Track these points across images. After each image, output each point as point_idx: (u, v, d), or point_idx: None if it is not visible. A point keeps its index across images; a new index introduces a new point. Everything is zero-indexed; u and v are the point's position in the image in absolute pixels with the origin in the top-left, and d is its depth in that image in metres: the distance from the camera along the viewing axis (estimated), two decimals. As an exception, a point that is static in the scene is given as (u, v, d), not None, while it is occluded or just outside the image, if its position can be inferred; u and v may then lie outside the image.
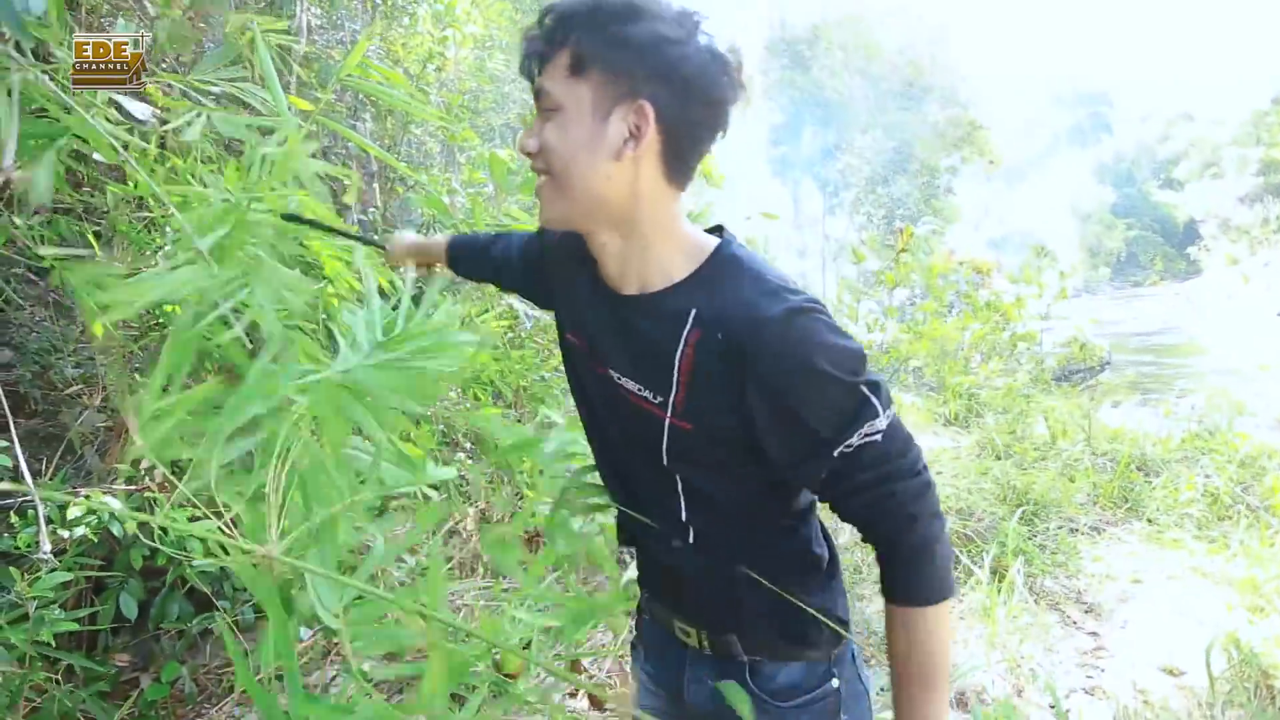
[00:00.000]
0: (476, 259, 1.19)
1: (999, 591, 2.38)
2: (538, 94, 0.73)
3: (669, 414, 0.76)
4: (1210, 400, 5.10)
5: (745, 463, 0.76)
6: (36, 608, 0.86)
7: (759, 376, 0.69)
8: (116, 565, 1.62)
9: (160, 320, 1.54)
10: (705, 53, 0.70)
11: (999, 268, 8.29)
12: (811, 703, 0.90)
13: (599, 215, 0.75)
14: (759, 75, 10.52)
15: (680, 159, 0.73)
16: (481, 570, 2.67)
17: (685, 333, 0.73)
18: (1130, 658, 2.20)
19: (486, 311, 2.66)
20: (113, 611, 1.72)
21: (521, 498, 2.91)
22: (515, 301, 2.68)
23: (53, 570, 0.89)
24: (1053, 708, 1.88)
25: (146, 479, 1.41)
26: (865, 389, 0.71)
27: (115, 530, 1.28)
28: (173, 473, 1.59)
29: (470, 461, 2.85)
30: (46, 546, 0.89)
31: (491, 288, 2.86)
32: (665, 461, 0.78)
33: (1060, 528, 3.13)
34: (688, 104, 0.70)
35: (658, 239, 0.76)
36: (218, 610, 1.94)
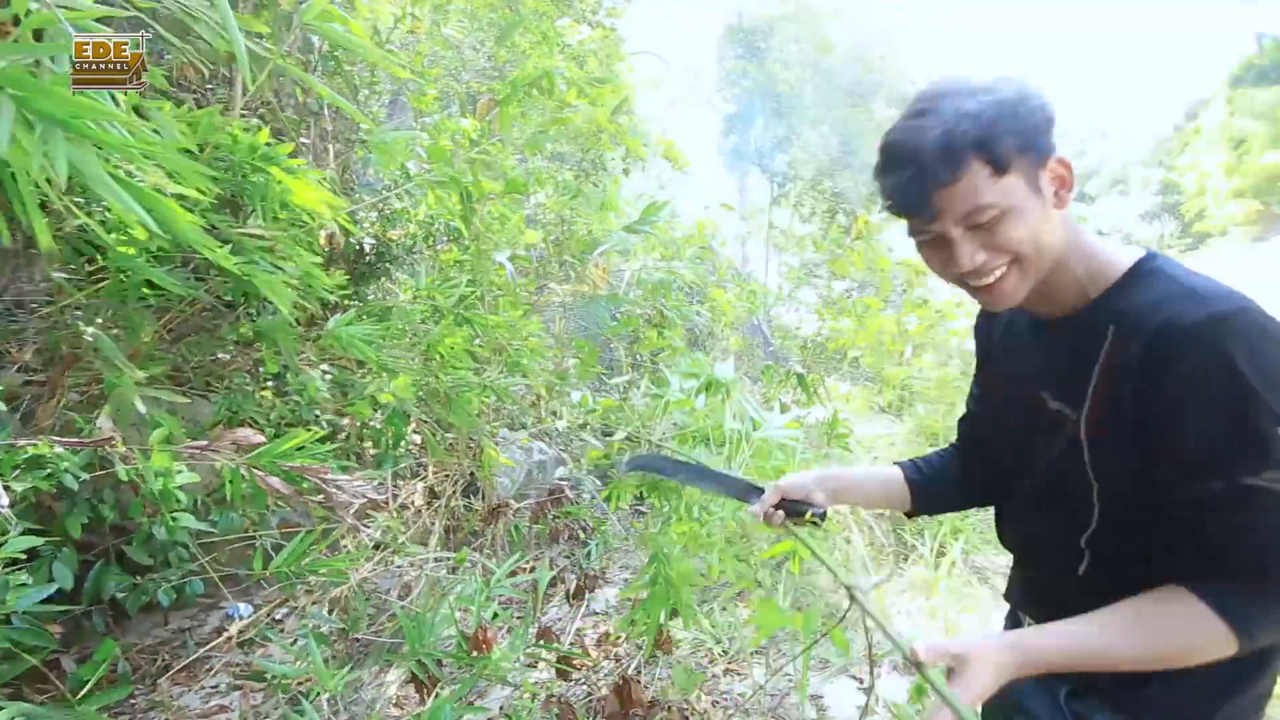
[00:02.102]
0: (945, 487, 1.07)
1: (938, 567, 2.53)
2: (964, 214, 0.74)
3: (1084, 428, 0.77)
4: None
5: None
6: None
7: (1173, 383, 0.68)
8: (54, 532, 1.51)
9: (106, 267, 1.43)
10: (1033, 93, 0.75)
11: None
12: None
13: (1054, 262, 0.78)
14: (715, 64, 10.64)
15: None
16: (435, 543, 2.62)
17: (1105, 348, 0.75)
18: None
19: (448, 281, 2.58)
20: (45, 582, 1.60)
21: (476, 471, 2.86)
22: (503, 259, 2.60)
23: (22, 534, 0.82)
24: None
25: (94, 435, 1.31)
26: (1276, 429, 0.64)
27: (70, 483, 1.19)
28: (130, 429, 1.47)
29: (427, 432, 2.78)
30: (4, 500, 0.82)
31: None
32: (1090, 476, 0.78)
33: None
34: (1051, 136, 0.76)
35: (1074, 257, 0.79)
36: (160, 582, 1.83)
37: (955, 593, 2.42)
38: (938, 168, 0.72)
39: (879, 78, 11.14)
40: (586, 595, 2.47)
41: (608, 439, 4.26)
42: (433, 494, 3.03)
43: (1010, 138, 0.71)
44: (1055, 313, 0.82)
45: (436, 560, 2.32)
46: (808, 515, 1.02)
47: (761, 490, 1.08)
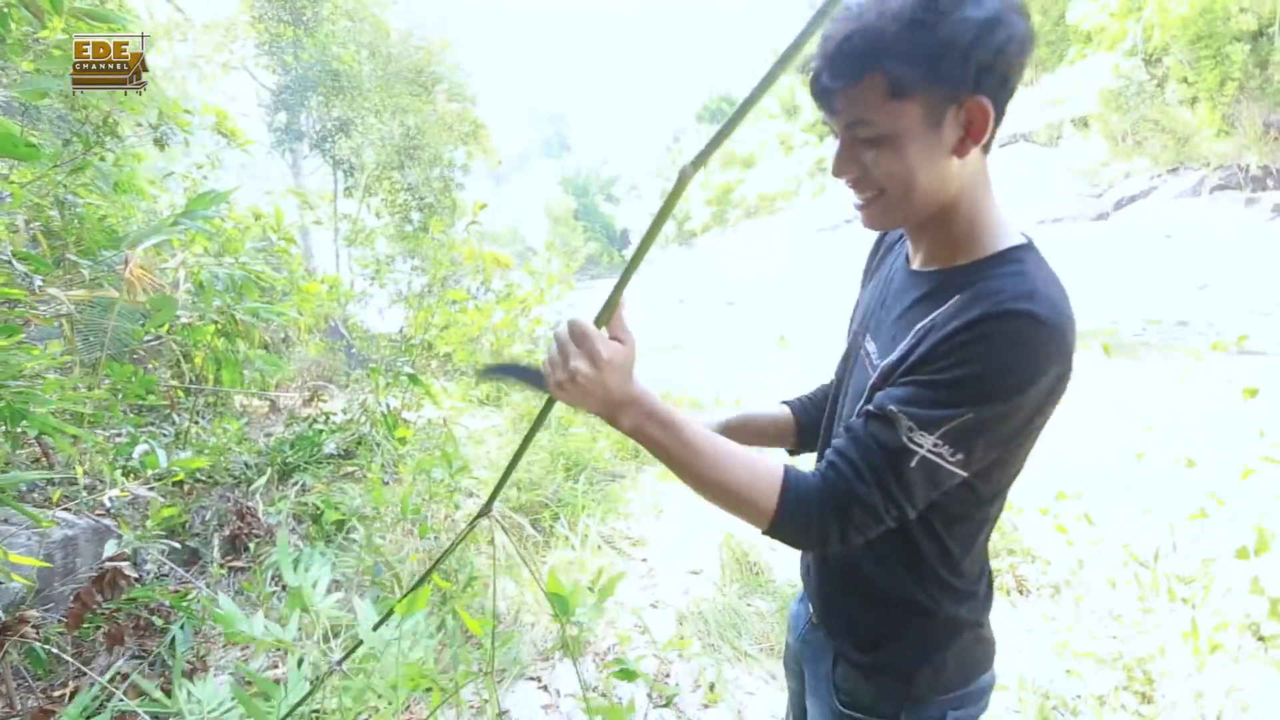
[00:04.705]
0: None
1: (578, 545, 2.72)
2: (849, 124, 0.71)
3: (876, 375, 0.78)
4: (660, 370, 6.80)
5: None
6: None
7: (950, 331, 0.68)
8: None
9: None
10: (1017, 21, 0.66)
11: (515, 262, 9.27)
12: None
13: (933, 209, 0.75)
14: (254, 24, 8.85)
15: (997, 129, 0.71)
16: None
17: (939, 311, 0.72)
18: (671, 570, 2.82)
19: None
20: None
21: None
22: None
23: None
24: (641, 631, 2.28)
25: None
26: (969, 419, 0.65)
27: None
28: None
29: None
30: None
31: None
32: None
33: (600, 480, 3.74)
34: (1010, 80, 0.68)
35: (963, 215, 0.75)
36: None
37: (594, 565, 2.65)
38: (838, 68, 0.69)
39: (440, 69, 11.15)
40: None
41: (165, 479, 3.34)
42: None
43: (920, 64, 0.65)
44: (923, 262, 0.81)
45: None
46: None
47: None
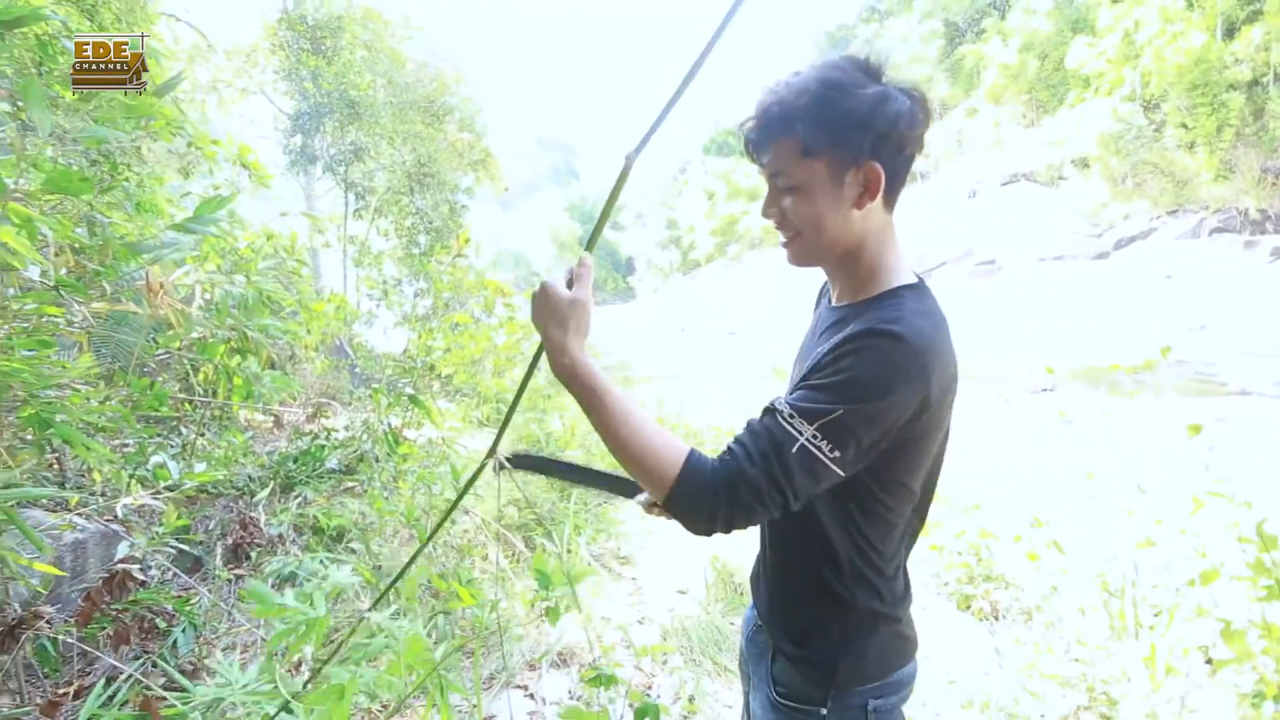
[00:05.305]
0: None
1: (564, 559, 2.80)
2: (772, 174, 0.88)
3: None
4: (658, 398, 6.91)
5: None
6: None
7: (832, 346, 0.81)
8: None
9: None
10: (903, 100, 0.82)
11: (516, 289, 9.44)
12: (794, 714, 0.96)
13: (841, 252, 0.89)
14: (275, 51, 9.19)
15: (896, 188, 0.87)
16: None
17: (837, 340, 0.82)
18: (657, 588, 2.90)
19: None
20: None
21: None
22: None
23: None
24: (626, 645, 2.36)
25: None
26: (841, 416, 0.76)
27: None
28: None
29: None
30: None
31: None
32: None
33: (594, 500, 3.83)
34: (903, 149, 0.84)
35: (866, 259, 0.89)
36: None
37: (587, 585, 2.73)
38: (765, 128, 0.86)
39: (452, 100, 11.47)
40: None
41: (176, 491, 3.44)
42: None
43: (824, 131, 0.82)
44: (838, 299, 0.97)
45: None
46: None
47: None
